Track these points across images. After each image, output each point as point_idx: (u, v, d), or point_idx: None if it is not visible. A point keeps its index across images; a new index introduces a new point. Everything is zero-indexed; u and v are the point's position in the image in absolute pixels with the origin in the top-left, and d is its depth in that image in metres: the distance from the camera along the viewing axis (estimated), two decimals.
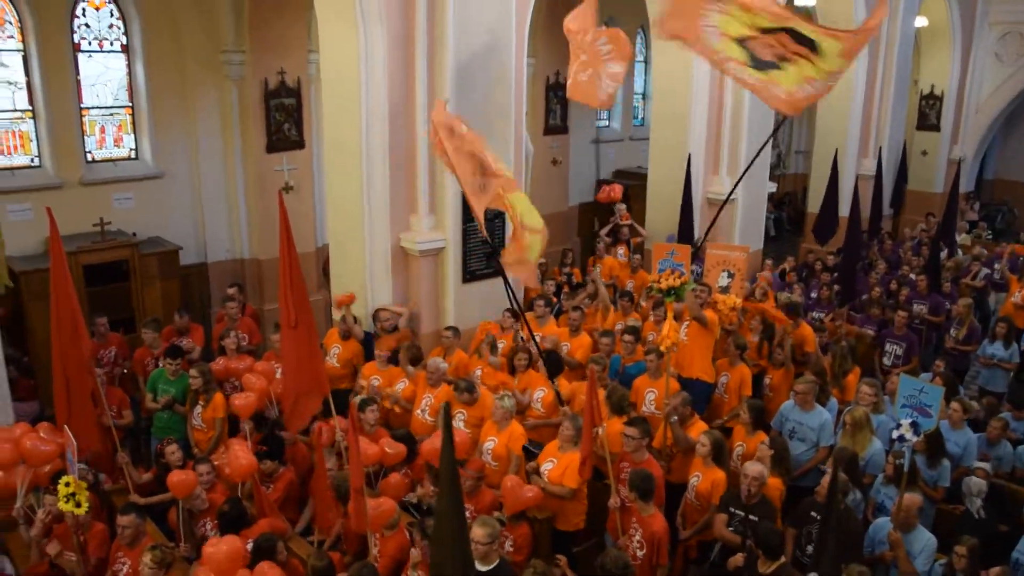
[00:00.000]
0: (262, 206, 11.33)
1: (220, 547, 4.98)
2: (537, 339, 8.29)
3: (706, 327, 7.70)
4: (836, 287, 10.63)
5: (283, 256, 5.82)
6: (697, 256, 10.63)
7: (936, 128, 17.94)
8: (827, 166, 13.49)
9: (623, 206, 11.93)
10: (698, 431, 6.48)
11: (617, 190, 11.79)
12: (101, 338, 8.09)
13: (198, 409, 7.11)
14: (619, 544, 5.60)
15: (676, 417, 6.50)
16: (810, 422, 6.81)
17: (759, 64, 6.80)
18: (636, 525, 5.53)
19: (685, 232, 10.90)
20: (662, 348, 6.97)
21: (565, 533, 6.20)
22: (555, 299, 9.31)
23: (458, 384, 6.98)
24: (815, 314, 10.11)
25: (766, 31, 6.75)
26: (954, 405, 6.99)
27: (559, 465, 6.11)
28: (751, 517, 5.52)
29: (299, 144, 11.49)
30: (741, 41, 6.76)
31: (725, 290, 8.84)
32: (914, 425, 5.60)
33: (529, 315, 8.82)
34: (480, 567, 4.63)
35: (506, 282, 7.80)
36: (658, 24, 6.96)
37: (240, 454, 6.06)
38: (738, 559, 5.28)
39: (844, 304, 10.08)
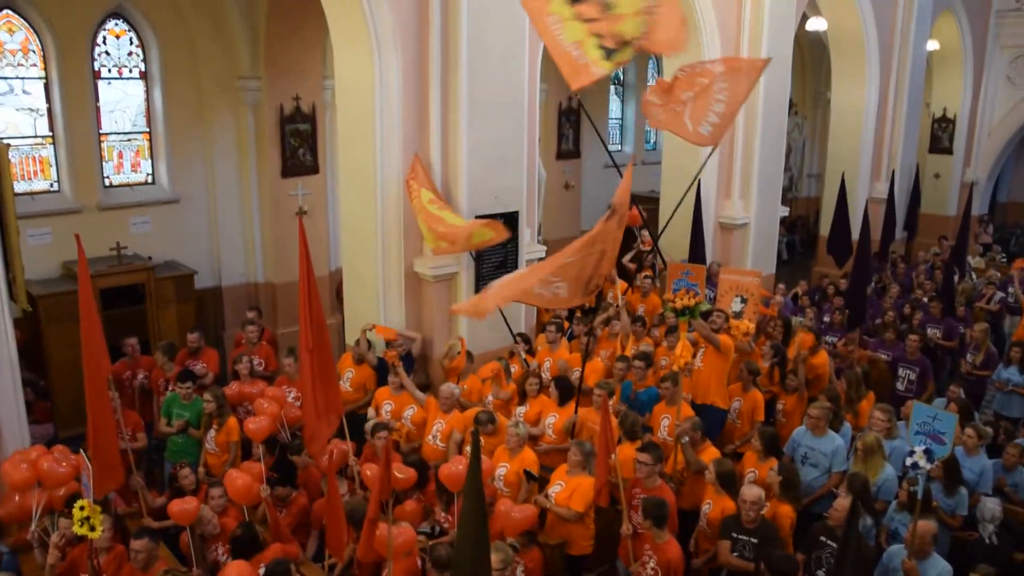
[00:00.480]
0: (277, 230, 11.43)
1: (228, 573, 4.98)
2: (547, 365, 8.33)
3: (720, 351, 7.70)
4: (848, 311, 10.60)
5: (302, 279, 5.87)
6: (710, 280, 10.64)
7: (949, 151, 17.94)
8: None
9: (645, 232, 11.72)
10: (709, 457, 6.47)
11: (635, 214, 11.32)
12: (131, 359, 8.15)
13: (212, 433, 7.15)
14: (632, 571, 5.59)
15: (687, 439, 6.49)
16: (822, 447, 6.78)
17: (608, 53, 6.69)
18: (650, 552, 5.51)
19: (697, 256, 10.89)
20: (675, 368, 6.98)
21: (575, 558, 6.19)
22: (567, 323, 9.31)
23: (479, 419, 6.94)
24: (828, 338, 10.08)
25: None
26: (968, 431, 6.94)
27: (567, 488, 6.11)
28: (753, 540, 5.51)
29: (314, 169, 11.61)
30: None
31: (738, 315, 8.84)
32: (927, 452, 5.56)
33: (541, 338, 8.85)
34: None
35: (502, 312, 7.82)
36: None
37: (237, 477, 6.08)
38: None
39: (853, 328, 10.05)
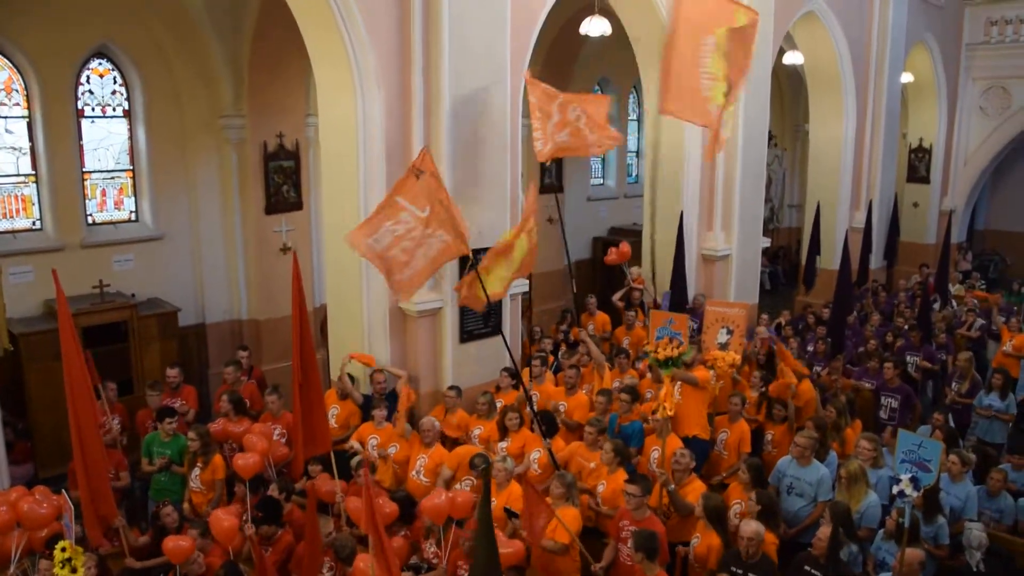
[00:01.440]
0: (261, 267, 11.43)
1: None
2: (535, 399, 8.32)
3: (697, 387, 7.74)
4: (830, 340, 10.69)
5: (295, 315, 5.88)
6: (695, 312, 10.70)
7: (926, 180, 18.23)
8: (821, 219, 13.74)
9: (636, 269, 11.56)
10: (695, 489, 6.48)
11: (626, 250, 11.11)
12: (109, 404, 8.08)
13: (196, 471, 7.09)
14: None
15: (673, 486, 6.48)
16: (808, 477, 6.79)
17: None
18: None
19: (678, 288, 10.96)
20: (659, 416, 7.00)
21: None
22: (552, 358, 9.32)
23: (473, 462, 6.96)
24: (814, 368, 10.14)
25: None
26: (952, 458, 6.97)
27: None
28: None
29: (297, 205, 11.65)
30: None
31: (724, 347, 8.88)
32: (914, 480, 5.58)
33: (524, 372, 8.84)
34: None
35: (490, 347, 7.84)
36: (658, 104, 7.14)
37: (222, 517, 6.03)
38: None
39: (834, 356, 10.14)
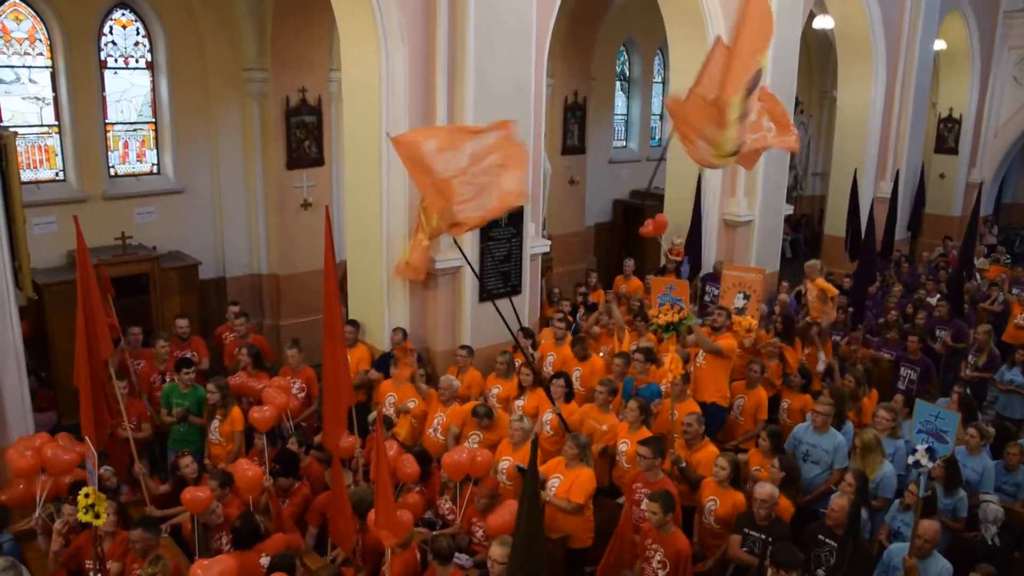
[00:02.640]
0: (281, 223, 11.44)
1: (211, 570, 4.99)
2: (549, 359, 8.34)
3: (721, 355, 7.72)
4: (851, 309, 10.60)
5: (328, 269, 5.87)
6: (713, 278, 10.64)
7: (954, 151, 17.91)
8: (844, 188, 13.60)
9: (679, 240, 11.19)
10: (708, 453, 6.50)
11: (662, 222, 10.77)
12: (135, 348, 8.16)
13: (215, 423, 7.18)
14: (636, 569, 5.58)
15: (684, 463, 6.49)
16: (824, 445, 6.79)
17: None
18: (655, 546, 5.49)
19: (695, 253, 10.89)
20: (664, 383, 7.00)
21: (577, 552, 6.21)
22: (571, 318, 9.31)
23: (477, 410, 7.02)
24: (833, 337, 10.08)
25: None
26: (971, 431, 6.95)
27: (565, 480, 6.12)
28: (766, 538, 5.52)
29: (319, 161, 11.61)
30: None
31: (741, 311, 8.85)
32: (930, 451, 5.55)
33: (547, 331, 8.85)
34: None
35: (506, 307, 7.78)
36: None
37: (246, 467, 6.11)
38: None
39: (855, 326, 10.06)
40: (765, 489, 5.64)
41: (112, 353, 6.44)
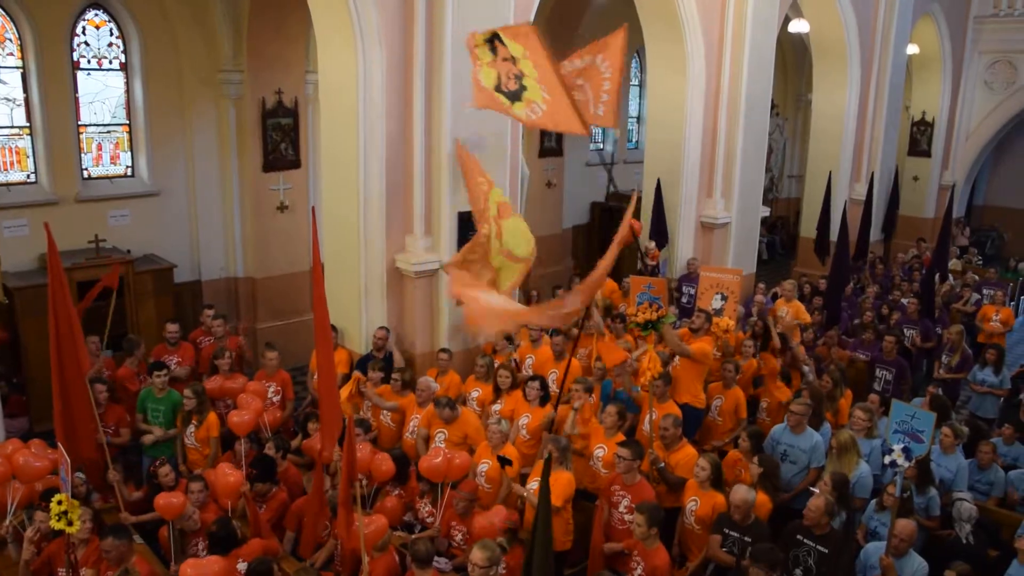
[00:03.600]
0: (258, 225, 11.34)
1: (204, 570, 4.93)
2: (528, 362, 8.34)
3: (693, 359, 7.75)
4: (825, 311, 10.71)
5: (316, 270, 5.81)
6: (690, 278, 10.70)
7: (927, 154, 18.15)
8: (820, 190, 13.75)
9: (652, 244, 11.32)
10: (686, 455, 6.52)
11: (637, 226, 10.92)
12: (94, 357, 8.04)
13: (191, 428, 7.10)
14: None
15: (663, 464, 6.50)
16: (801, 444, 6.85)
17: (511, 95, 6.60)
18: (638, 559, 5.53)
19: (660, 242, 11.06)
20: (642, 381, 7.01)
21: (557, 554, 6.18)
22: None
23: (439, 400, 6.98)
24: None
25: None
26: (944, 430, 7.02)
27: None
28: (746, 539, 5.54)
29: (295, 164, 11.53)
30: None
31: (719, 312, 8.90)
32: (906, 450, 5.61)
33: (523, 332, 8.83)
34: None
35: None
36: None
37: (227, 471, 6.05)
38: None
39: (829, 327, 10.16)
40: (739, 493, 5.67)
41: (89, 362, 6.31)
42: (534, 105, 5.87)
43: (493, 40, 5.91)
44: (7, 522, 5.83)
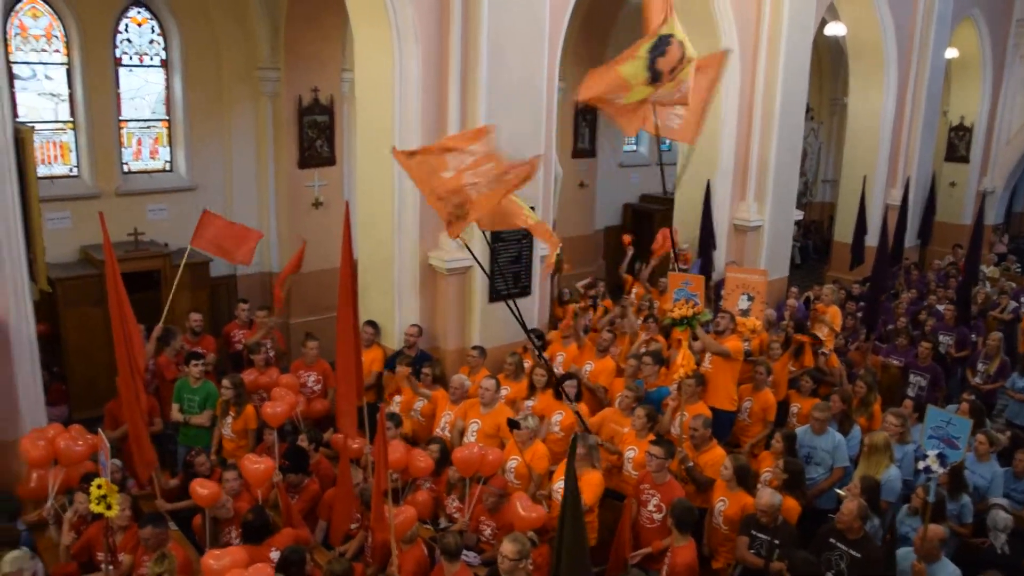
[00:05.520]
0: (292, 221, 11.48)
1: (223, 561, 5.00)
2: (559, 359, 8.35)
3: (728, 359, 7.72)
4: (860, 315, 10.60)
5: (344, 265, 5.87)
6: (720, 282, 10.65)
7: (965, 160, 17.85)
8: (855, 195, 13.59)
9: (687, 246, 11.27)
10: (715, 456, 6.53)
11: (667, 237, 10.49)
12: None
13: (229, 419, 7.21)
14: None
15: (692, 463, 6.50)
16: (824, 445, 6.86)
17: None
18: (666, 556, 5.56)
19: (705, 256, 10.93)
20: (674, 378, 7.01)
21: None
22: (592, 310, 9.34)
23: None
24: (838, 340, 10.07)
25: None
26: (980, 437, 6.94)
27: None
28: (774, 541, 5.52)
29: (330, 161, 11.66)
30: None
31: (745, 313, 8.87)
32: (941, 456, 5.55)
33: (555, 333, 8.86)
34: None
35: (516, 305, 7.78)
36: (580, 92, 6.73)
37: (256, 460, 6.14)
38: None
39: (870, 333, 10.05)
40: (764, 497, 5.65)
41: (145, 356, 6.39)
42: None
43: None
44: (48, 505, 5.98)
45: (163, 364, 8.07)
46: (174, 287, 8.45)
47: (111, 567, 5.42)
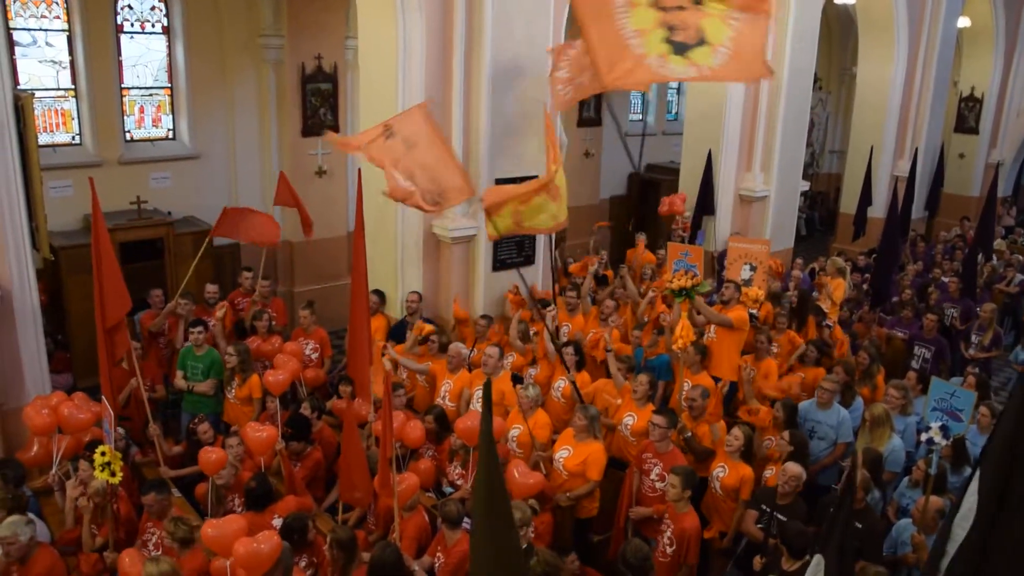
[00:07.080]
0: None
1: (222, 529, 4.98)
2: (564, 330, 8.34)
3: (731, 329, 7.70)
4: (866, 287, 10.55)
5: (358, 233, 5.85)
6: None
7: (975, 131, 17.68)
8: (861, 166, 13.46)
9: (687, 214, 11.23)
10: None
11: (680, 202, 10.67)
12: (158, 309, 8.13)
13: (233, 386, 7.23)
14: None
15: (690, 433, 6.50)
16: (828, 420, 6.82)
17: (679, 48, 6.22)
18: (668, 521, 5.56)
19: (695, 225, 10.95)
20: (675, 348, 6.99)
21: (582, 520, 6.25)
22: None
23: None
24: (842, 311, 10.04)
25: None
26: (983, 410, 6.92)
27: (576, 454, 6.14)
28: (781, 517, 5.50)
29: (334, 129, 11.58)
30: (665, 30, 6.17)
31: (747, 283, 8.84)
32: (944, 428, 5.55)
33: (559, 301, 8.83)
34: None
35: (516, 277, 7.79)
36: (601, 78, 6.21)
37: (258, 428, 6.17)
38: (757, 563, 5.28)
39: (877, 306, 10.00)
40: (796, 468, 5.60)
41: (126, 310, 6.34)
42: (718, 48, 5.75)
43: None
44: (53, 472, 6.02)
45: (144, 320, 8.04)
46: (193, 264, 8.46)
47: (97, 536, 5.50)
